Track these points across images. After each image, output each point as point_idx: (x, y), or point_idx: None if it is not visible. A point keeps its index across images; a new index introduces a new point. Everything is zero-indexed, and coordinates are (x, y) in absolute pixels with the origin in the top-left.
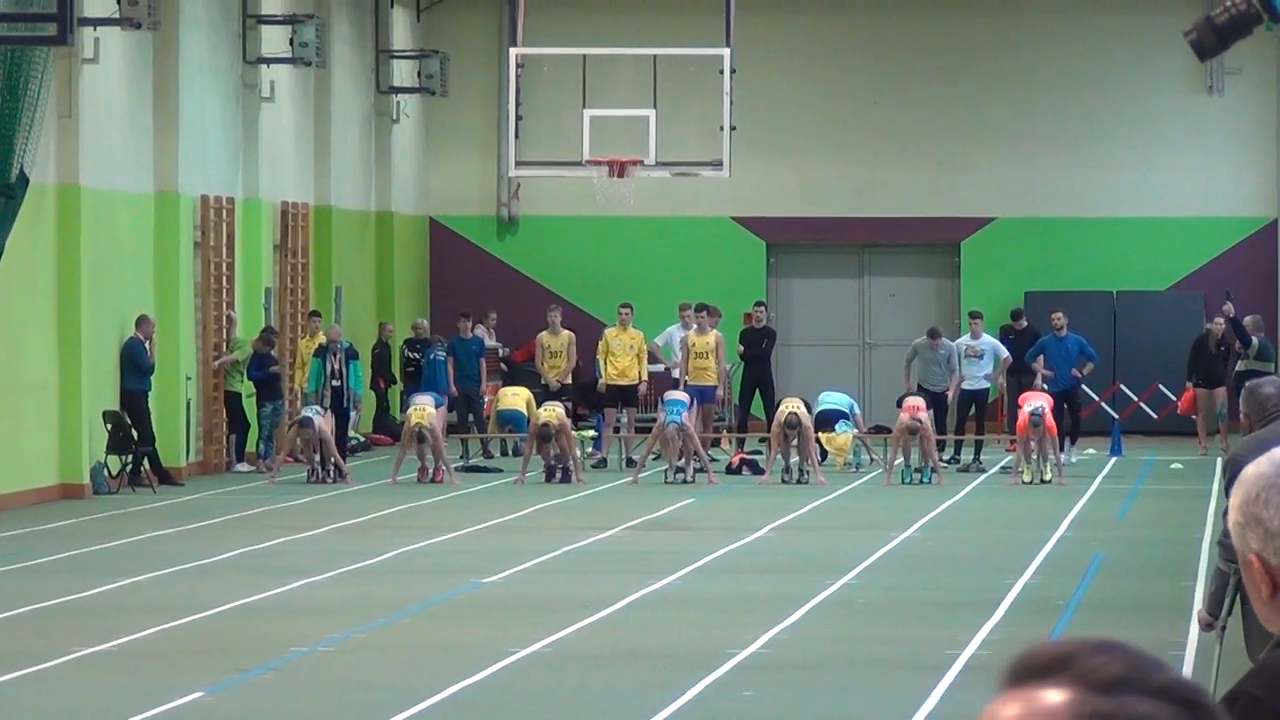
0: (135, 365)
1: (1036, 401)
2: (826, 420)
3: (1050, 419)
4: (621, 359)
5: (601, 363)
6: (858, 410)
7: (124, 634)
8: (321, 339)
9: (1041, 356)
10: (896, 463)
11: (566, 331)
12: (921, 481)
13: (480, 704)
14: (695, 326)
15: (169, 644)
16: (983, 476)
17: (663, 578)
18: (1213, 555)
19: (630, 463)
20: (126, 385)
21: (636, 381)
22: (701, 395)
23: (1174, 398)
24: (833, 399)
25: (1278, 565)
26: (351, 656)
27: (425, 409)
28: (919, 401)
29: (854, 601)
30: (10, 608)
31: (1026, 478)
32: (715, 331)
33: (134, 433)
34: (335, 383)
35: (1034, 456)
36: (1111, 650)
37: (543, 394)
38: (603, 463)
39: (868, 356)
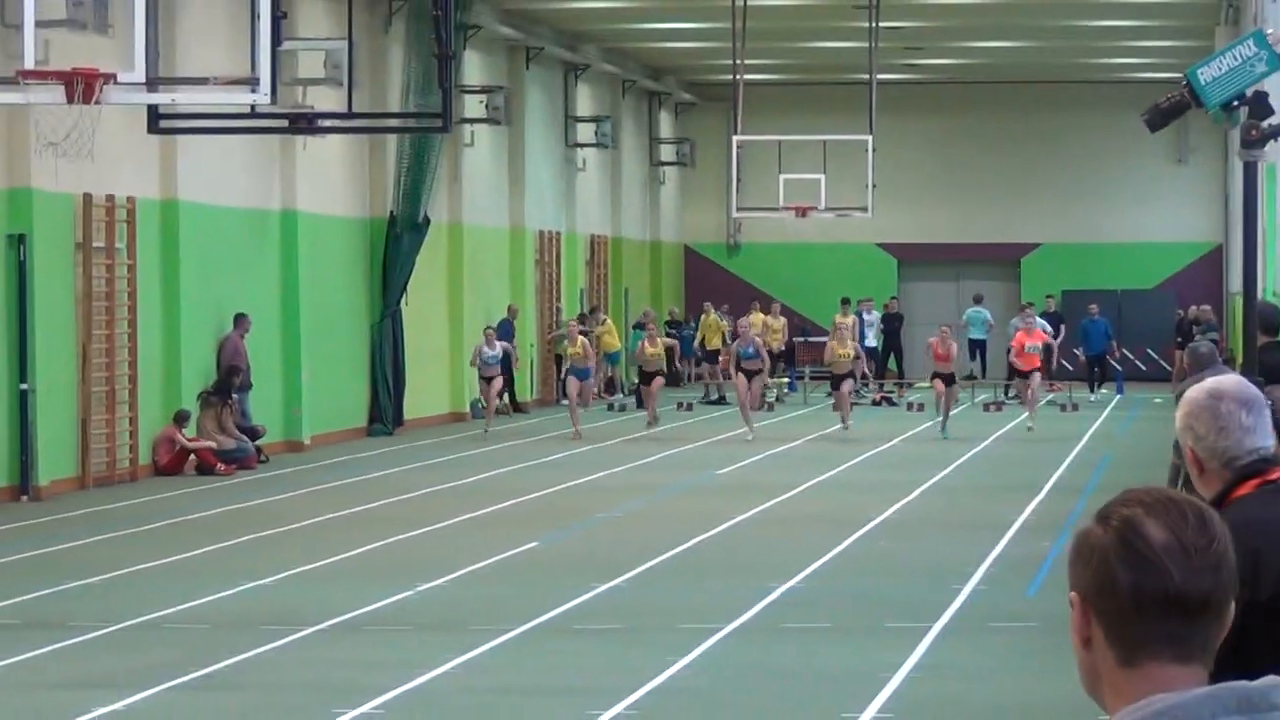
0: (505, 336)
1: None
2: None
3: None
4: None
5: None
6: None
7: (492, 505)
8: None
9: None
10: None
11: (783, 318)
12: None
13: (716, 546)
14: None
15: (518, 511)
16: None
17: (830, 470)
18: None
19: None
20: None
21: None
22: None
23: (1157, 357)
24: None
25: (1204, 456)
26: (635, 520)
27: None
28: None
29: (955, 486)
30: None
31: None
32: (852, 315)
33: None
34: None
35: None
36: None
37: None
38: (779, 399)
39: (963, 333)
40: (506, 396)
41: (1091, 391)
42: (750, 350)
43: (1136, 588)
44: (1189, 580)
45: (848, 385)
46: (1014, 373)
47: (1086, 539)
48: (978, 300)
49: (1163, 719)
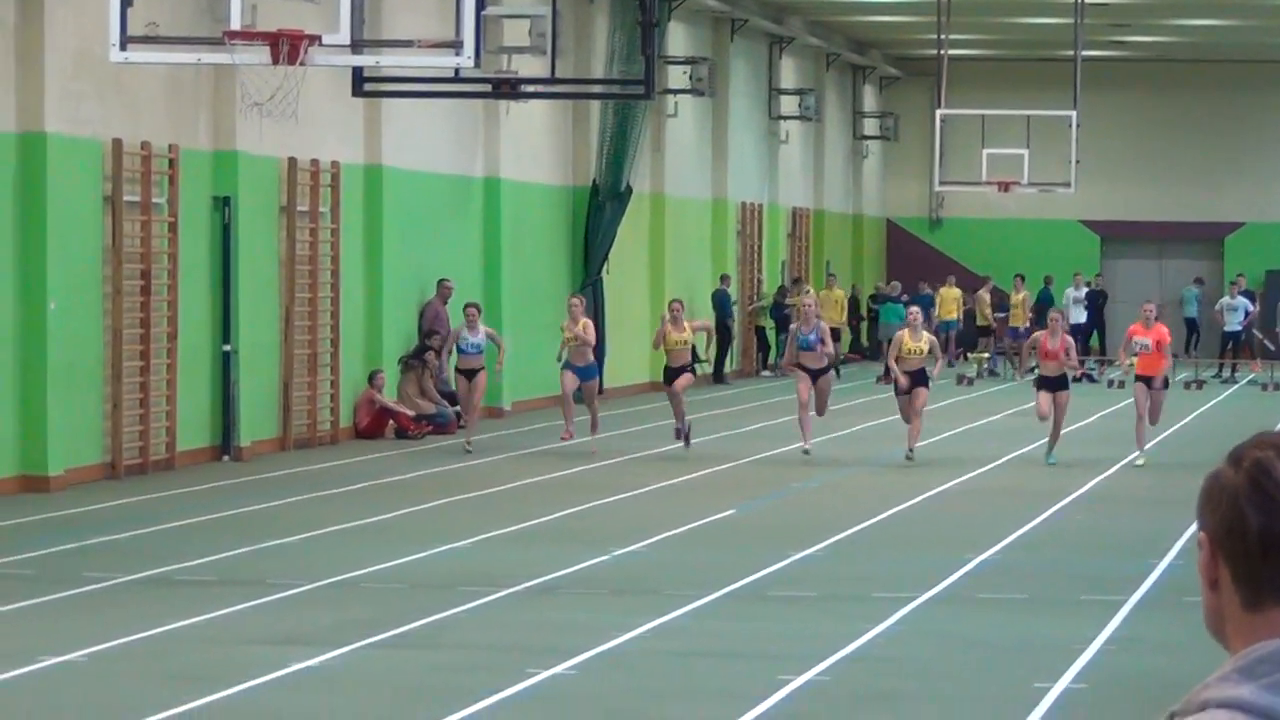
0: (721, 307)
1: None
2: None
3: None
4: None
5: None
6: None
7: (689, 473)
8: (836, 293)
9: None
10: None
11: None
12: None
13: (912, 518)
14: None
15: (715, 479)
16: (1235, 386)
17: (1028, 444)
18: None
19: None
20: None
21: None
22: (1016, 334)
23: None
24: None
25: None
26: (831, 490)
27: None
28: None
29: (1154, 462)
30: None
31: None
32: (1025, 292)
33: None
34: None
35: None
36: None
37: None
38: (993, 372)
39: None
40: (709, 368)
41: None
42: (813, 337)
43: (1265, 531)
44: None
45: (921, 398)
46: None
47: (1217, 480)
48: (1199, 282)
49: (1262, 665)
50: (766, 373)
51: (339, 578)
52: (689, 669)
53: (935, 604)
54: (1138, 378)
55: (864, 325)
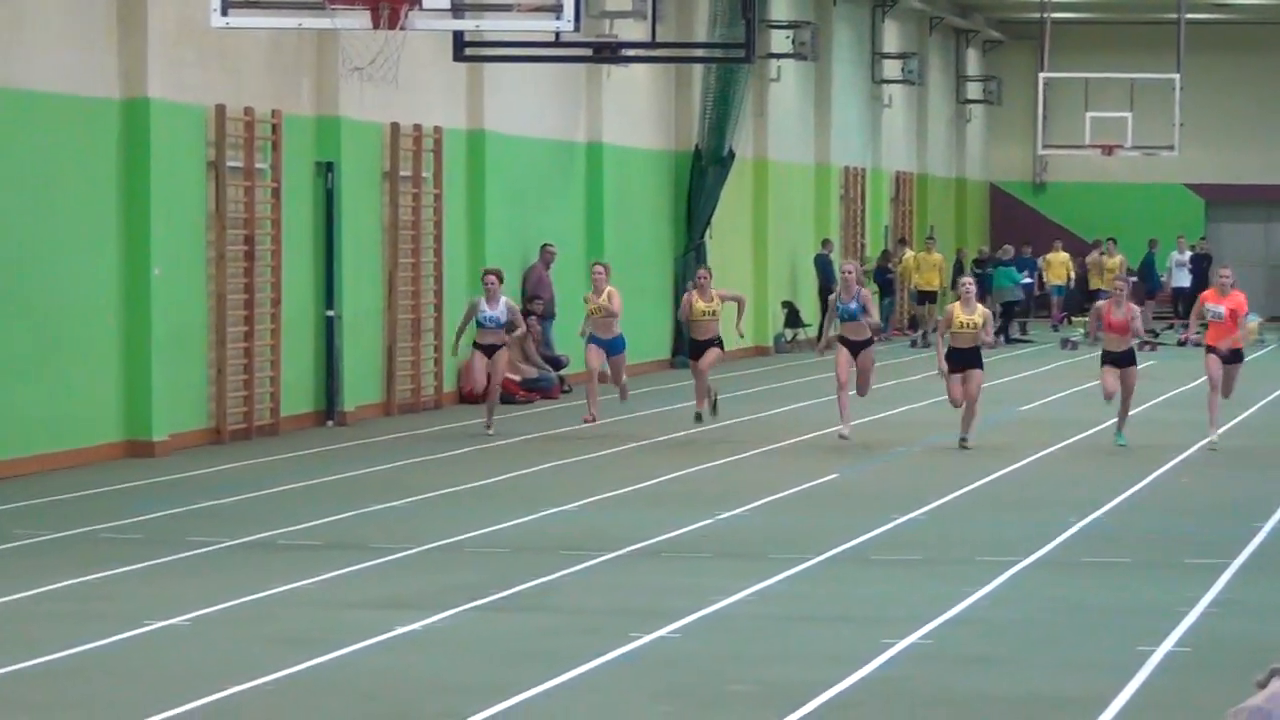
0: (823, 272)
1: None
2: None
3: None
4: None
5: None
6: None
7: (792, 437)
8: (934, 257)
9: None
10: None
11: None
12: None
13: (1016, 481)
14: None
15: (818, 443)
16: None
17: (1133, 408)
18: None
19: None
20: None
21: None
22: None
23: None
24: None
25: None
26: (935, 454)
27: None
28: None
29: (1257, 425)
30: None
31: None
32: (1120, 255)
33: (798, 316)
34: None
35: None
36: None
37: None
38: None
39: (1270, 275)
40: (795, 335)
41: None
42: (855, 306)
43: None
44: None
45: (975, 381)
46: None
47: None
48: None
49: None
50: None
51: (443, 542)
52: (792, 632)
53: (1038, 567)
54: (1208, 348)
55: None
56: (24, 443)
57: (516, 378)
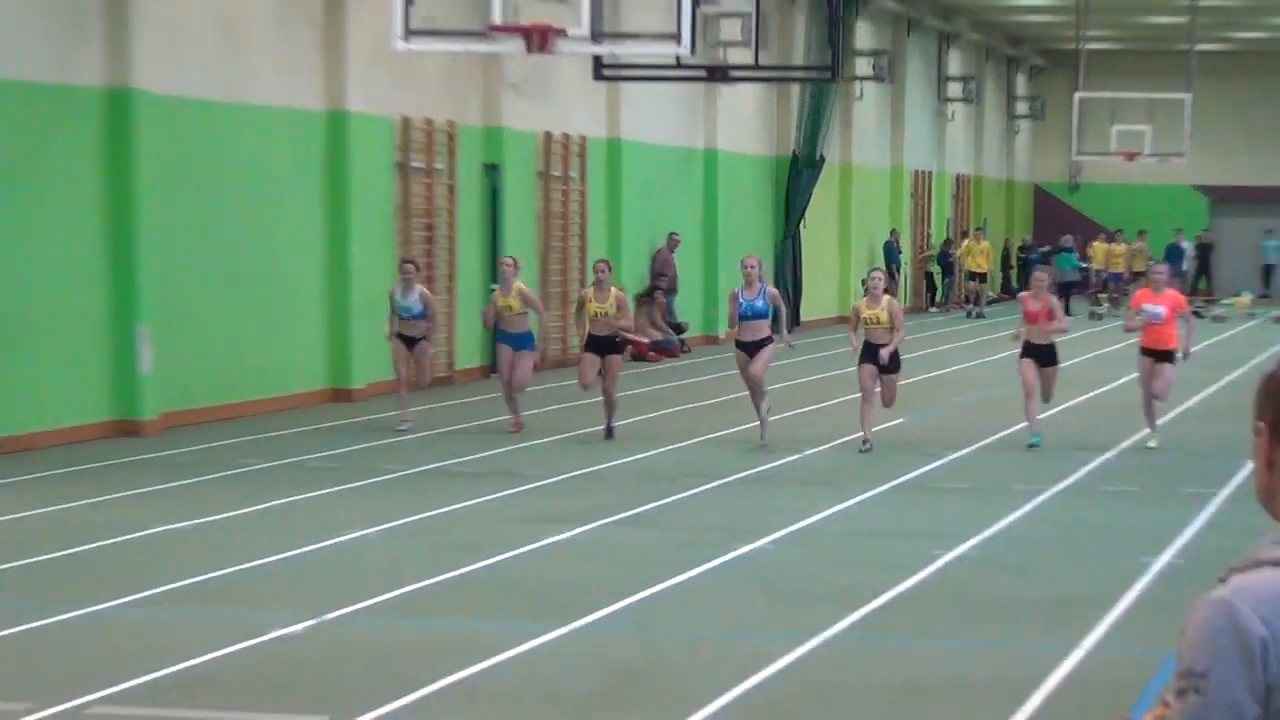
0: (890, 256)
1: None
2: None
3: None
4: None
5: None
6: None
7: (831, 400)
8: (983, 244)
9: None
10: None
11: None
12: None
13: (1048, 425)
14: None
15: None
16: None
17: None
18: None
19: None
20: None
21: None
22: (1118, 279)
23: None
24: None
25: None
26: (984, 403)
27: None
28: None
29: (1249, 381)
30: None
31: None
32: (1130, 244)
33: None
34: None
35: None
36: None
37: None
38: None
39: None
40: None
41: None
42: (761, 304)
43: None
44: None
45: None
46: None
47: (1274, 379)
48: (1269, 233)
49: None
50: (934, 310)
51: (582, 471)
52: (862, 545)
53: (1063, 494)
54: (1143, 351)
55: (1013, 273)
56: (250, 390)
57: (646, 340)
